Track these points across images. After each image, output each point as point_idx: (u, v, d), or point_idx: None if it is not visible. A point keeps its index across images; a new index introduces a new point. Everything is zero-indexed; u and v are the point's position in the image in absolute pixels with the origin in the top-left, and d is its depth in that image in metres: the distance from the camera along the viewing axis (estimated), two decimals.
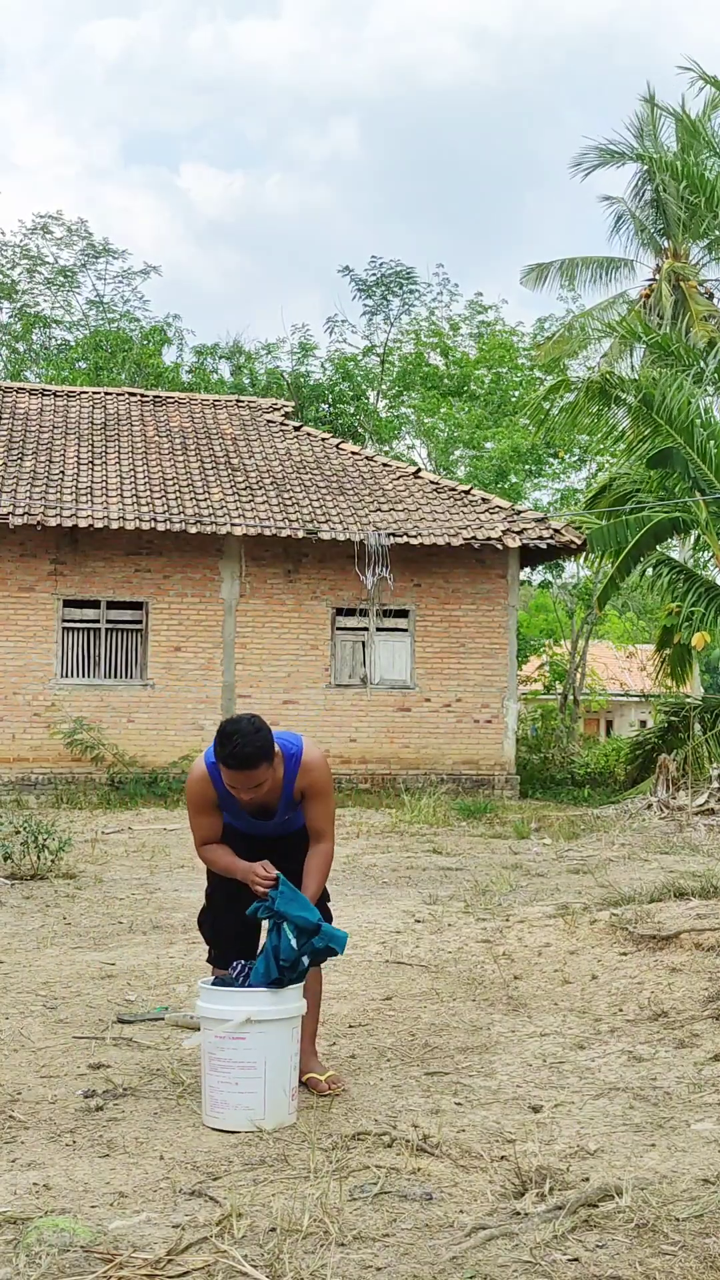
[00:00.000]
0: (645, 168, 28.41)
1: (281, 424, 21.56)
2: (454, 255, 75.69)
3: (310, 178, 77.91)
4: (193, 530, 17.83)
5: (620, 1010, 5.75)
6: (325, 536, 18.18)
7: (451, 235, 73.89)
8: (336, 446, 21.15)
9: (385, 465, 20.70)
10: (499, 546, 18.63)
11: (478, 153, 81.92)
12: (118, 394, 22.13)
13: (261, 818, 4.57)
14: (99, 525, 17.56)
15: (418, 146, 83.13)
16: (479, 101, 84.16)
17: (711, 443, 18.27)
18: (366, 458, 20.91)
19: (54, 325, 35.04)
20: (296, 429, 21.62)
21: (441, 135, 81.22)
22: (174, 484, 18.90)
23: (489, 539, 18.55)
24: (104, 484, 18.61)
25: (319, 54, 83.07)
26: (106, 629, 18.23)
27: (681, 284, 28.48)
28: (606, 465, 28.23)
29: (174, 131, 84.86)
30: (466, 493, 20.00)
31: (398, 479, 20.15)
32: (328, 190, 77.49)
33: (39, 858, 10.01)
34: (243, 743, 4.22)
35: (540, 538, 18.87)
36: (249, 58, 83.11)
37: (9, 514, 17.35)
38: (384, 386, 35.31)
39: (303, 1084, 4.53)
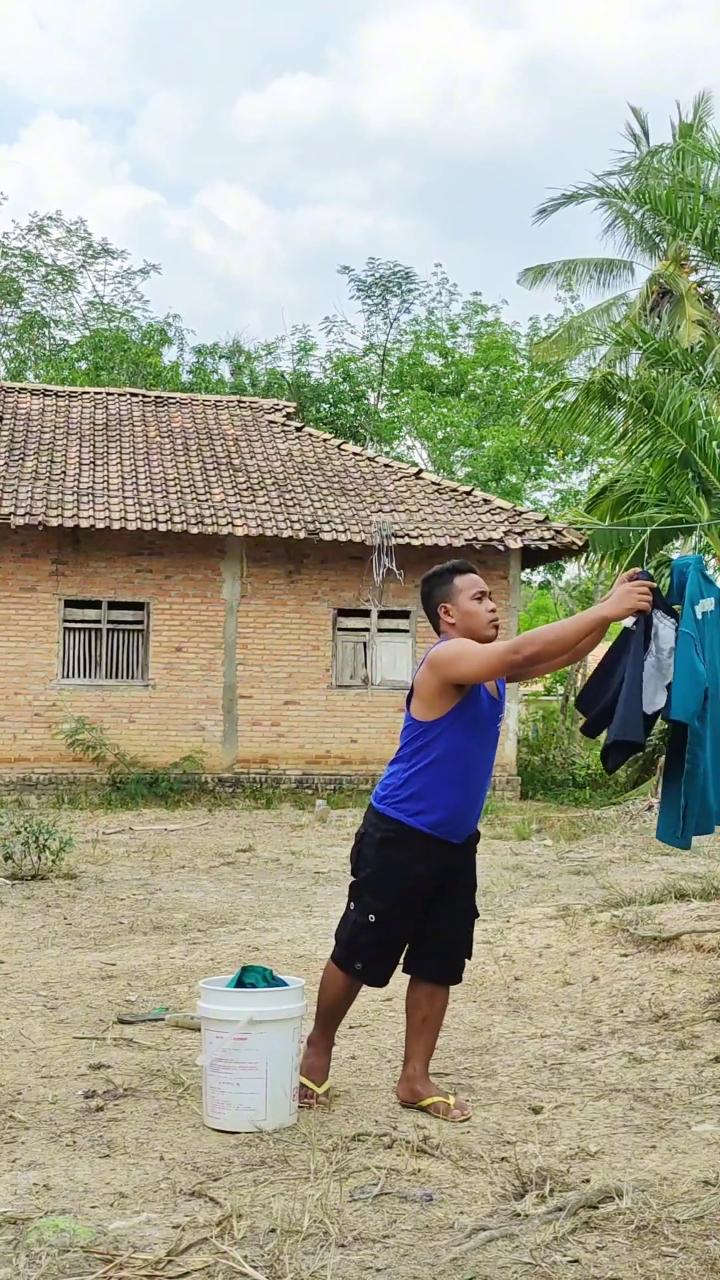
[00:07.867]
0: (620, 200, 28.36)
1: (283, 424, 21.56)
2: (458, 259, 75.73)
3: (324, 195, 77.55)
4: (194, 531, 17.83)
5: (621, 1012, 5.74)
6: (327, 537, 18.18)
7: (456, 241, 73.80)
8: (338, 447, 21.14)
9: (386, 466, 20.70)
10: (500, 548, 18.62)
11: (489, 163, 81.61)
12: (119, 394, 22.12)
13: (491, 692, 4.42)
14: (100, 526, 17.56)
15: (434, 164, 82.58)
16: (498, 123, 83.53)
17: (714, 443, 18.24)
18: (368, 458, 20.90)
19: (54, 325, 34.95)
20: (298, 429, 21.62)
21: (459, 157, 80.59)
22: (175, 484, 18.90)
23: (490, 540, 18.54)
24: (105, 484, 18.61)
25: (350, 95, 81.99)
26: (108, 629, 18.23)
27: (681, 284, 28.42)
28: (608, 467, 28.21)
29: (200, 161, 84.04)
30: (468, 493, 19.99)
31: (399, 480, 20.14)
32: (340, 204, 77.12)
33: (40, 858, 10.03)
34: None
35: (541, 539, 18.87)
36: (280, 105, 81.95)
37: (10, 514, 17.35)
38: (383, 388, 35.33)
39: (423, 1109, 4.36)
